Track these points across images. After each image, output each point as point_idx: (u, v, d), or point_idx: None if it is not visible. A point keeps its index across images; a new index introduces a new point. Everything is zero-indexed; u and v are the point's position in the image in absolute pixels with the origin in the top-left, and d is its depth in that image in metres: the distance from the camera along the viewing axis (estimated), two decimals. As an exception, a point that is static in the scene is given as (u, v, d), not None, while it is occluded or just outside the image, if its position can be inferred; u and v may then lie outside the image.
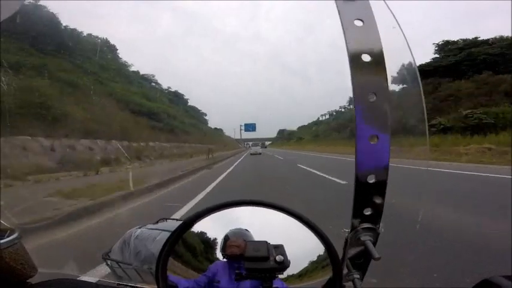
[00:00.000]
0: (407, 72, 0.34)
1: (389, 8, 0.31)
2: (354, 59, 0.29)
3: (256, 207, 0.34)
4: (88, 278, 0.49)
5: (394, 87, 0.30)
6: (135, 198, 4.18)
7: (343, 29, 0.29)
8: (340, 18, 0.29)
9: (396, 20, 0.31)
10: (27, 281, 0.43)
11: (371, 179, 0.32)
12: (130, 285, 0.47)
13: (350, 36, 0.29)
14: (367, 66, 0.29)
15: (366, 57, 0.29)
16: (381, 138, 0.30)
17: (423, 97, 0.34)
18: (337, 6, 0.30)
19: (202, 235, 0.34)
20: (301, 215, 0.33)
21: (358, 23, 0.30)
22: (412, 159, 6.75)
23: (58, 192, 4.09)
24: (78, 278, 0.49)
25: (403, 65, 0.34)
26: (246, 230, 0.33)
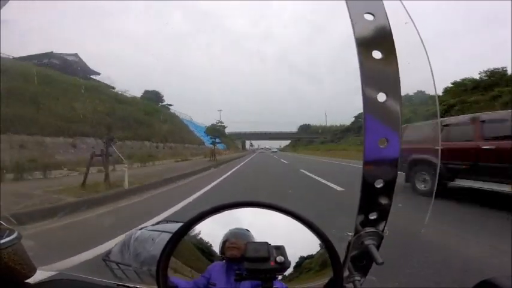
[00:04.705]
0: (420, 72, 0.32)
1: (401, 2, 0.29)
2: (364, 56, 0.27)
3: (257, 209, 0.33)
4: (87, 278, 0.48)
5: (406, 87, 0.28)
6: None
7: (352, 23, 0.27)
8: (349, 11, 0.28)
9: (409, 14, 0.29)
10: (26, 281, 0.42)
11: (378, 184, 0.30)
12: (130, 286, 0.47)
13: (359, 31, 0.27)
14: (377, 64, 0.28)
15: (377, 54, 0.27)
16: (391, 141, 0.29)
17: (437, 99, 0.33)
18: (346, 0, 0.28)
19: (202, 236, 0.34)
20: (303, 216, 0.33)
21: (369, 17, 0.28)
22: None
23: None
24: (76, 278, 0.48)
25: (416, 64, 0.32)
26: (247, 230, 0.33)
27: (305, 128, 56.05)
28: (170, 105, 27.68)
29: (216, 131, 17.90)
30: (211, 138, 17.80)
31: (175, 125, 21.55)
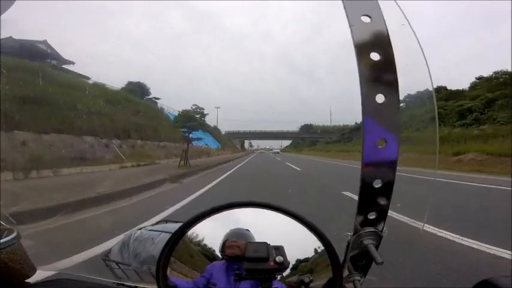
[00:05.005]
0: (418, 74, 0.32)
1: (397, 4, 0.29)
2: (362, 58, 0.28)
3: (257, 209, 0.34)
4: (87, 277, 0.48)
5: (404, 88, 0.28)
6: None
7: (349, 25, 0.27)
8: (346, 14, 0.28)
9: (405, 16, 0.29)
10: (26, 281, 0.43)
11: (377, 184, 0.31)
12: (129, 285, 0.47)
13: (357, 33, 0.28)
14: (375, 66, 0.28)
15: (375, 56, 0.28)
16: (389, 141, 0.29)
17: (435, 99, 0.33)
18: (343, 2, 0.28)
19: (202, 236, 0.34)
20: (302, 216, 0.33)
21: (366, 19, 0.28)
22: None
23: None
24: (76, 278, 0.49)
25: (413, 65, 0.32)
26: (247, 230, 0.33)
27: (307, 128, 51.36)
28: (157, 98, 23.32)
29: (189, 119, 10.51)
30: (182, 129, 11.09)
31: (152, 119, 15.55)
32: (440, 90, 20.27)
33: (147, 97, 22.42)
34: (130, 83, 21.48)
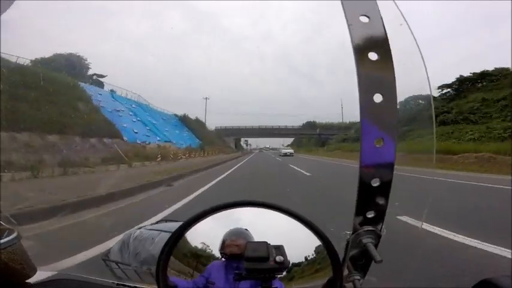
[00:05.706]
0: (416, 73, 0.32)
1: (396, 5, 0.30)
2: (360, 57, 0.28)
3: (257, 208, 0.34)
4: (87, 277, 0.48)
5: (401, 88, 0.28)
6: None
7: (347, 25, 0.28)
8: (345, 13, 0.28)
9: (403, 16, 0.29)
10: (27, 281, 0.43)
11: (375, 183, 0.31)
12: (129, 285, 0.47)
13: (355, 33, 0.28)
14: (373, 65, 0.28)
15: (373, 56, 0.28)
16: (387, 141, 0.29)
17: (432, 100, 0.33)
18: (341, 2, 0.28)
19: (202, 236, 0.34)
20: (302, 216, 0.33)
21: (364, 19, 0.28)
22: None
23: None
24: (77, 278, 0.49)
25: (411, 65, 0.32)
26: (246, 229, 0.33)
27: (310, 125, 44.20)
28: (101, 76, 18.09)
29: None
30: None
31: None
32: (502, 71, 17.38)
33: (82, 74, 17.09)
34: (56, 55, 16.53)
